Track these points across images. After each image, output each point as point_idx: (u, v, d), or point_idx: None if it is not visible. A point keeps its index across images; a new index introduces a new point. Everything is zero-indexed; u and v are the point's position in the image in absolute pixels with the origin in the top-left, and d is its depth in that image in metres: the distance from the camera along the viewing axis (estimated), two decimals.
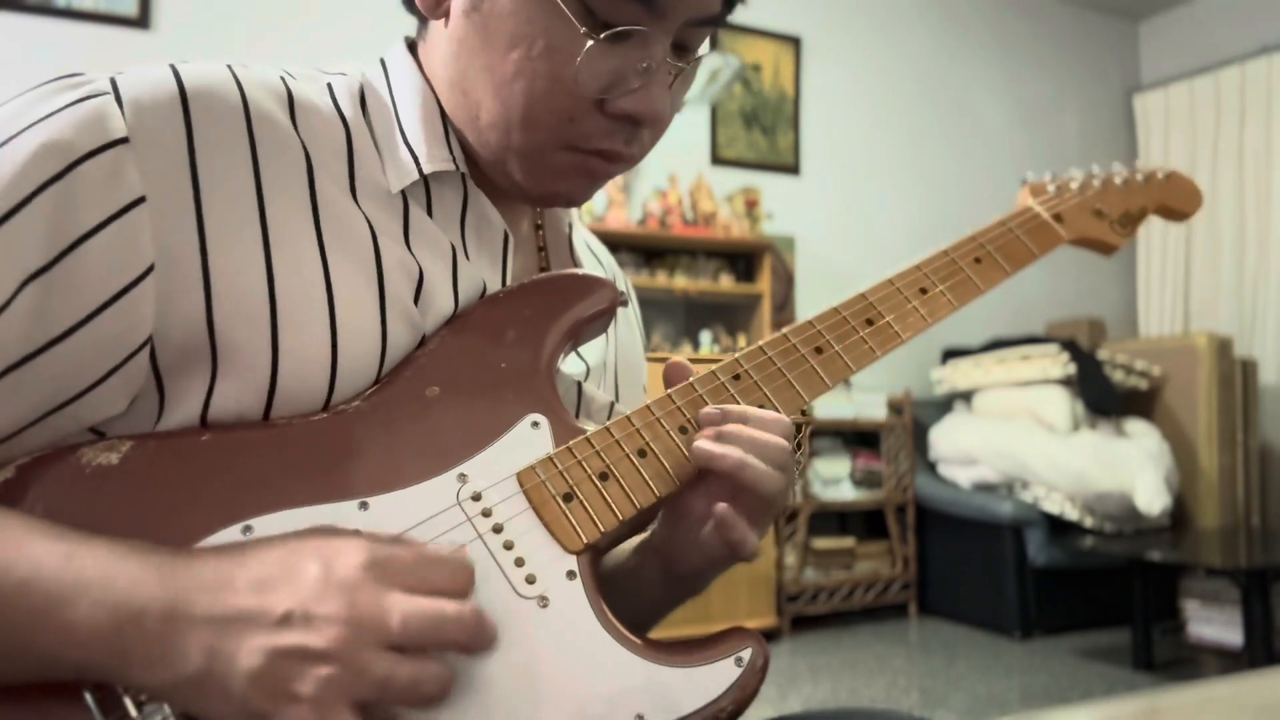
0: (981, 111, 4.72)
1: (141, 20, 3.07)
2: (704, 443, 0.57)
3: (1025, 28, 4.89)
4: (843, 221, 4.28)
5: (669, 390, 0.62)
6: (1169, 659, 3.13)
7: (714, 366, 0.63)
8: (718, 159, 4.02)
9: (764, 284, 3.69)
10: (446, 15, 0.60)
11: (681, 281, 3.56)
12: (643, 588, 0.66)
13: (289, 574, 0.44)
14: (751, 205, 3.82)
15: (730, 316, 3.82)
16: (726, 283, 3.69)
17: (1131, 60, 5.27)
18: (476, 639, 0.46)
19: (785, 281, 4.03)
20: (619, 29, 0.55)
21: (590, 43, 0.55)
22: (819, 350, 0.66)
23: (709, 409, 0.59)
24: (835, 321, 0.67)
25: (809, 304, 4.07)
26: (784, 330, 0.66)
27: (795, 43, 4.22)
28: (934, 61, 4.59)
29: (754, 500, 0.58)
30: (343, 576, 0.44)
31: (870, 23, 4.44)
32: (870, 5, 4.45)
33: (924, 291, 0.71)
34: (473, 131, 0.61)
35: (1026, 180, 0.85)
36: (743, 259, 3.83)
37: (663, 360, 0.67)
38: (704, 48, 0.62)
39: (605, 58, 0.56)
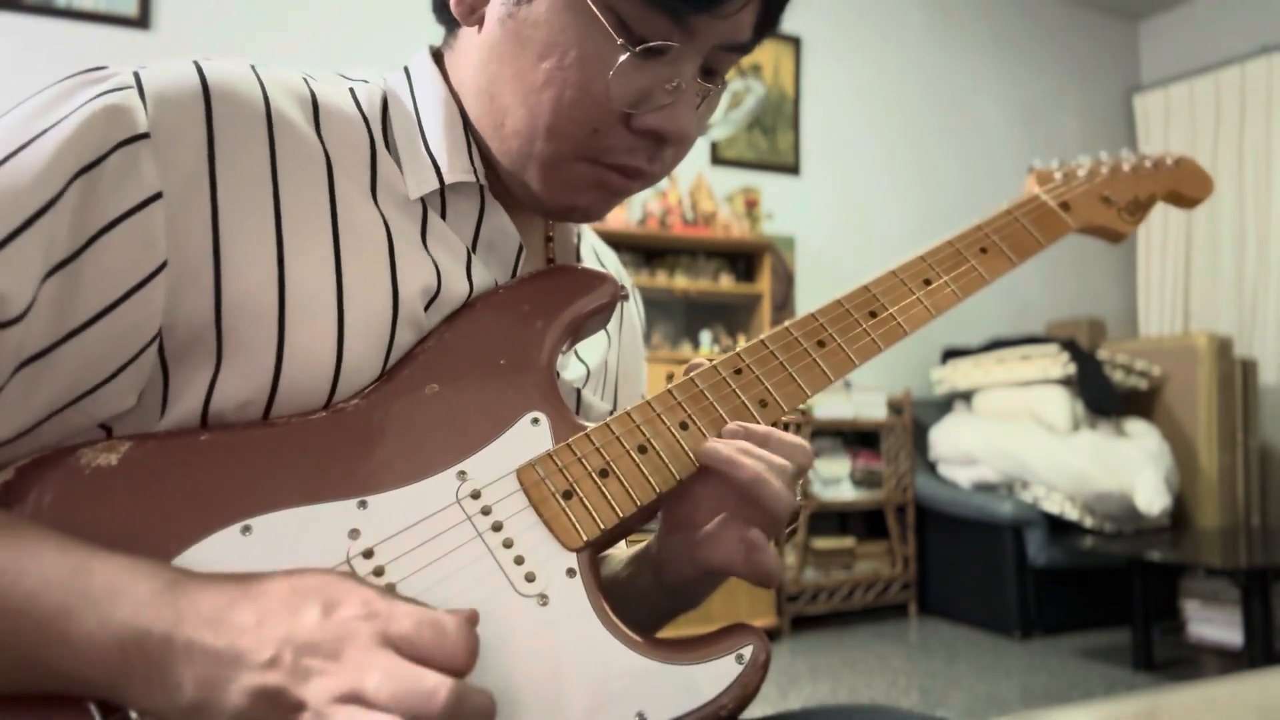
0: (981, 111, 4.72)
1: (141, 20, 3.06)
2: (722, 446, 0.57)
3: (1025, 28, 4.89)
4: (843, 221, 4.28)
5: (669, 386, 0.61)
6: (1169, 659, 3.13)
7: (715, 361, 0.63)
8: (718, 159, 4.02)
9: (764, 284, 3.69)
10: (480, 21, 0.61)
11: (681, 281, 3.56)
12: (635, 598, 0.65)
13: (288, 615, 0.44)
14: (751, 205, 3.82)
15: (730, 316, 3.82)
16: (726, 283, 3.69)
17: (1131, 60, 5.27)
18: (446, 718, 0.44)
19: (785, 281, 4.02)
20: (653, 44, 0.55)
21: (625, 55, 0.55)
22: (821, 344, 0.65)
23: (732, 426, 0.58)
24: (838, 314, 0.66)
25: (809, 304, 4.03)
26: (786, 323, 0.65)
27: (795, 43, 4.22)
28: (934, 61, 4.59)
29: (761, 518, 0.58)
30: (338, 626, 0.43)
31: (870, 23, 4.44)
32: (870, 5, 4.45)
33: (928, 283, 0.70)
34: (496, 139, 0.61)
35: (1033, 168, 0.83)
36: (743, 259, 3.82)
37: (664, 361, 0.67)
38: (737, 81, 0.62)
39: (637, 73, 0.56)
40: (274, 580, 0.46)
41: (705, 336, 3.66)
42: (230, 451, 0.51)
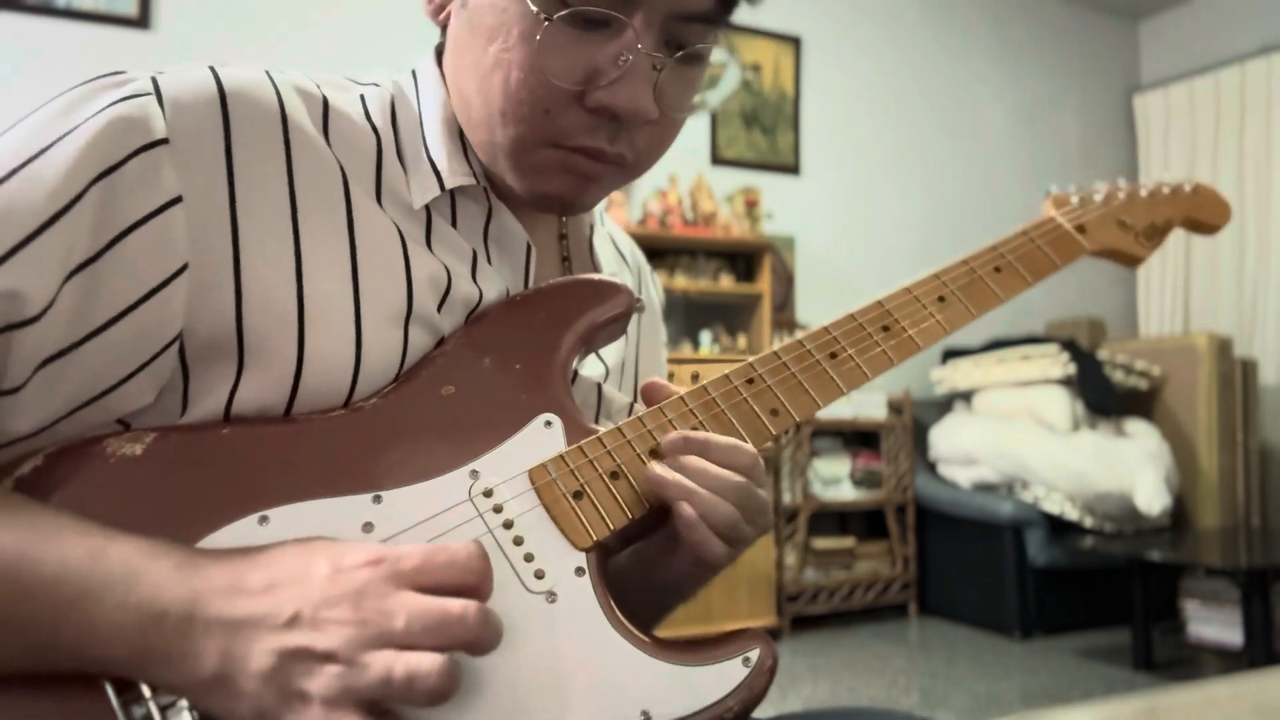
0: (982, 111, 4.72)
1: (141, 20, 3.06)
2: (656, 467, 0.57)
3: (1026, 28, 4.89)
4: (843, 221, 4.28)
5: (682, 393, 0.62)
6: (1169, 659, 3.13)
7: (728, 370, 0.63)
8: (718, 159, 4.02)
9: (764, 284, 3.69)
10: (448, 18, 0.61)
11: (681, 281, 3.56)
12: (629, 593, 0.66)
13: (299, 576, 0.45)
14: (751, 205, 3.82)
15: (730, 316, 3.82)
16: (726, 283, 3.69)
17: (1131, 60, 5.27)
18: (480, 638, 0.45)
19: (785, 281, 4.02)
20: (575, 10, 0.54)
21: (546, 24, 0.54)
22: (834, 356, 0.66)
23: (673, 435, 0.58)
24: (851, 328, 0.67)
25: (809, 304, 4.07)
26: (799, 336, 0.66)
27: (795, 43, 4.22)
28: (934, 61, 4.60)
29: (712, 527, 0.57)
30: (350, 577, 0.44)
31: (870, 23, 4.44)
32: (870, 5, 4.45)
33: (942, 300, 0.71)
34: (470, 132, 0.61)
35: (1049, 192, 0.85)
36: (743, 259, 3.83)
37: (676, 362, 0.67)
38: (719, 54, 0.61)
39: (577, 46, 0.55)
40: (279, 548, 0.47)
41: (705, 336, 3.66)
42: (250, 445, 0.52)
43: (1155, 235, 0.85)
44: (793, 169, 4.20)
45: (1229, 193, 4.65)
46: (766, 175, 4.11)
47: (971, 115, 4.69)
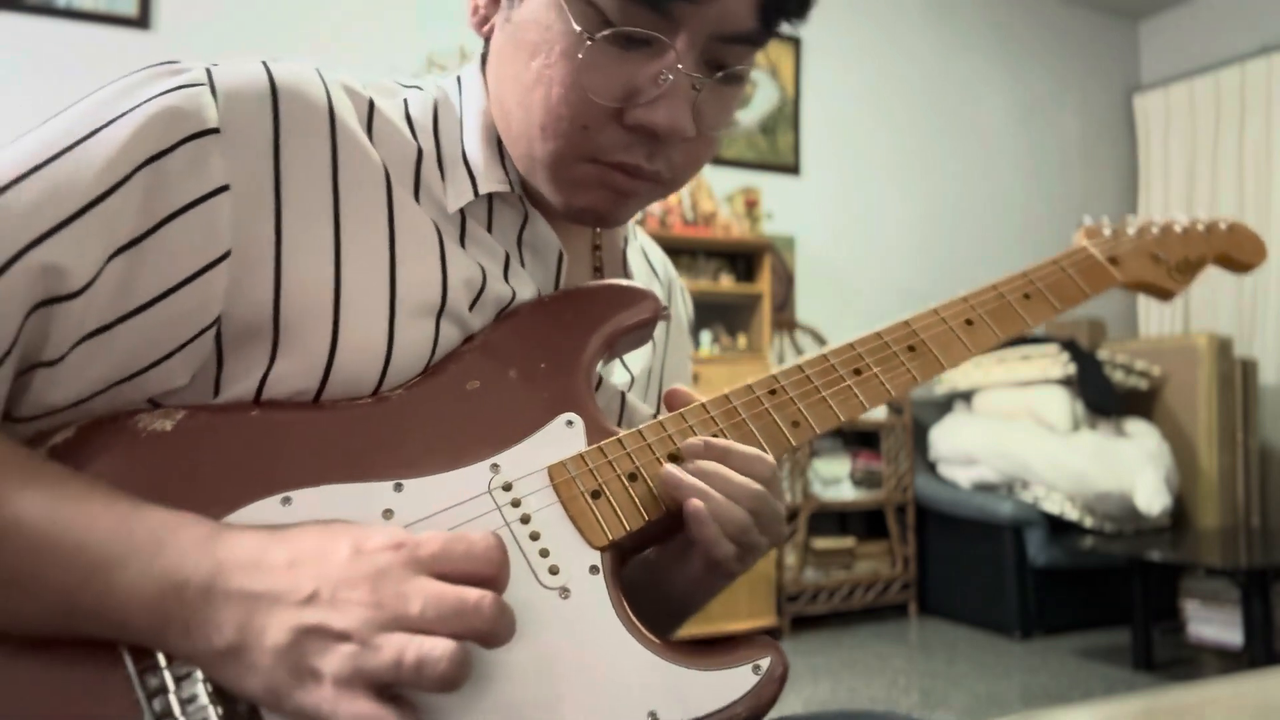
0: (981, 111, 4.72)
1: (141, 20, 3.06)
2: (672, 469, 0.57)
3: (1026, 27, 4.89)
4: (843, 221, 4.28)
5: (704, 401, 0.62)
6: (1169, 659, 3.13)
7: (752, 380, 0.64)
8: (718, 159, 4.02)
9: (764, 284, 3.69)
10: (492, 31, 0.62)
11: (681, 281, 3.55)
12: (643, 604, 0.66)
13: (321, 555, 0.46)
14: (751, 205, 3.82)
15: (730, 316, 3.82)
16: (726, 283, 3.69)
17: (1131, 60, 5.27)
18: (494, 629, 0.45)
19: (785, 281, 4.03)
20: (617, 30, 0.55)
21: (588, 42, 0.55)
22: (858, 372, 0.66)
23: (693, 440, 0.59)
24: (876, 345, 0.68)
25: (809, 304, 4.07)
26: (824, 350, 0.67)
27: (795, 43, 4.22)
28: (934, 61, 4.60)
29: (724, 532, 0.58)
30: (371, 560, 0.45)
31: (870, 23, 4.44)
32: (870, 5, 4.45)
33: (970, 323, 0.71)
34: (509, 143, 0.62)
35: (1083, 223, 0.84)
36: (743, 259, 3.83)
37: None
38: (757, 74, 0.62)
39: (618, 65, 0.56)
40: (303, 527, 0.48)
41: (705, 336, 3.66)
42: (278, 427, 0.53)
43: (1188, 270, 0.84)
44: (793, 169, 4.20)
45: (1229, 193, 4.66)
46: (766, 175, 4.11)
47: (971, 115, 4.69)
